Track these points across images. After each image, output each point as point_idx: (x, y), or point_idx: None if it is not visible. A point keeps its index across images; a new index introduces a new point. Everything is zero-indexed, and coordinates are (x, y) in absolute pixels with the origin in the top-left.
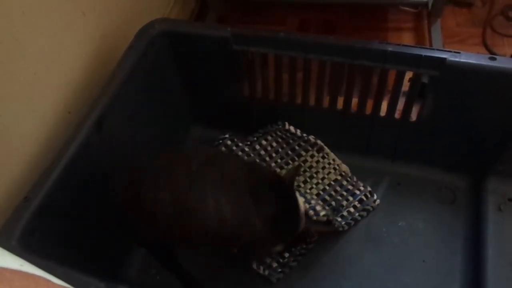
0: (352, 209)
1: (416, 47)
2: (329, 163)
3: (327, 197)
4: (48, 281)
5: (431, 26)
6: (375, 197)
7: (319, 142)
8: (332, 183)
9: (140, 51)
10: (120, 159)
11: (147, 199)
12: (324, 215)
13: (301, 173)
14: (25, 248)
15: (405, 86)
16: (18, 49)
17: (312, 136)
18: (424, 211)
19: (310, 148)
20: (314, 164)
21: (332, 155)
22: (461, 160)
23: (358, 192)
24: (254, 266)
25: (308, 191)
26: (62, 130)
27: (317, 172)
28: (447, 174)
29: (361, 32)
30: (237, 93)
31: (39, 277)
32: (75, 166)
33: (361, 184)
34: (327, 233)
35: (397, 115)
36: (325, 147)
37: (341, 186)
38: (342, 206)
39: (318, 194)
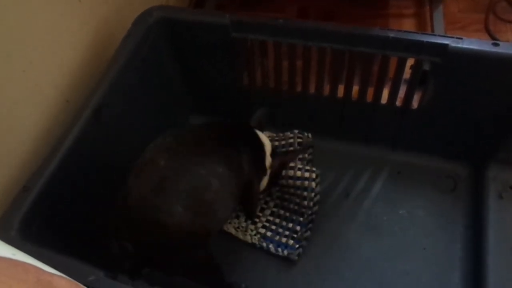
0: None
1: (418, 33)
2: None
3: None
4: (39, 269)
5: (433, 12)
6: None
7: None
8: None
9: (138, 39)
10: (118, 148)
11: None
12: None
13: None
14: (24, 238)
15: (406, 74)
16: (14, 38)
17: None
18: (424, 199)
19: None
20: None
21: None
22: (462, 148)
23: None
24: (273, 249)
25: None
26: (61, 119)
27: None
28: (448, 162)
29: (361, 19)
30: (236, 81)
31: (29, 265)
32: (74, 155)
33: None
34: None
35: (398, 102)
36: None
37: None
38: None
39: None
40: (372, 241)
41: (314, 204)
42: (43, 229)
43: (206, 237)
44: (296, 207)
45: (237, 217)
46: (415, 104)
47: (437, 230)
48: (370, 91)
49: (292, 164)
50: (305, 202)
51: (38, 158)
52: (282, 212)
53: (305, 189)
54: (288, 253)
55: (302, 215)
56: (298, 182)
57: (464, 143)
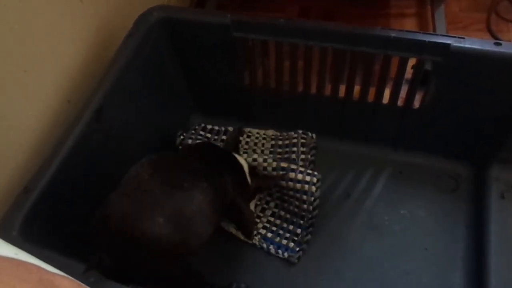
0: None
1: (420, 32)
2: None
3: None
4: (41, 268)
5: (435, 12)
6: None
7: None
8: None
9: (139, 39)
10: (119, 148)
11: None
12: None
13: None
14: (25, 238)
15: (408, 73)
16: (15, 38)
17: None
18: (426, 199)
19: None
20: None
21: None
22: (463, 148)
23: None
24: (273, 250)
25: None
26: (62, 119)
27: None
28: (450, 162)
29: (362, 19)
30: (237, 81)
31: (32, 265)
32: (75, 155)
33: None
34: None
35: (399, 102)
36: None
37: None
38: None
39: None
40: (373, 241)
41: (314, 209)
42: (44, 229)
43: (186, 253)
44: (296, 210)
45: None
46: (416, 104)
47: (438, 230)
48: (372, 91)
49: (293, 167)
50: (305, 206)
51: (39, 158)
52: (282, 213)
53: (305, 192)
54: (289, 256)
55: (302, 218)
56: (298, 185)
57: (465, 143)
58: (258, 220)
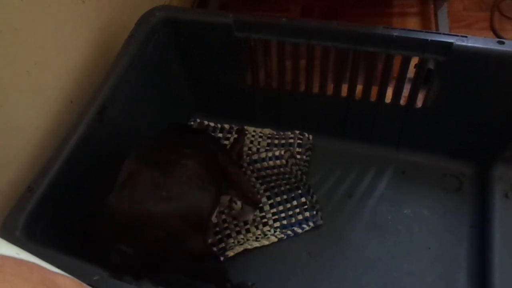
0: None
1: (422, 31)
2: None
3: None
4: (43, 268)
5: (437, 10)
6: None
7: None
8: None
9: (141, 39)
10: (122, 148)
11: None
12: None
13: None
14: (29, 238)
15: (411, 72)
16: (18, 39)
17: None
18: (429, 199)
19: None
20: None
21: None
22: (467, 147)
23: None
24: (299, 230)
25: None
26: (65, 119)
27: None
28: (453, 161)
29: (365, 18)
30: (240, 81)
31: (34, 264)
32: (78, 155)
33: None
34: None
35: (402, 101)
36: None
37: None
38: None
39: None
40: (376, 240)
41: (302, 174)
42: (47, 229)
43: (198, 224)
44: (288, 186)
45: (248, 231)
46: (419, 103)
47: (442, 229)
48: (374, 90)
49: (262, 155)
50: (293, 179)
51: (43, 158)
52: (279, 198)
53: (285, 165)
54: (314, 222)
55: (297, 188)
56: (278, 162)
57: (469, 142)
58: (265, 220)
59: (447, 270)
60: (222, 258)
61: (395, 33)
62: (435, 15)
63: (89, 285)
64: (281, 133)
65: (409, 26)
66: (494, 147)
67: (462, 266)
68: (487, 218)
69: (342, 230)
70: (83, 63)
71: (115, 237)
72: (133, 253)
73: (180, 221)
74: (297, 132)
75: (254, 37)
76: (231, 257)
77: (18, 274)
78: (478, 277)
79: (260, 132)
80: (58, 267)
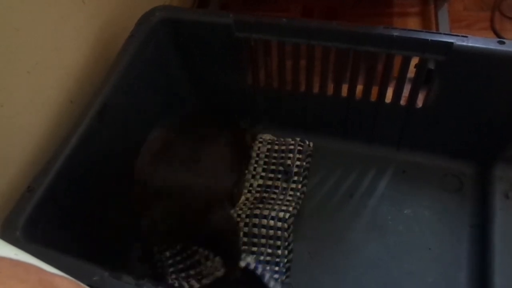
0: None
1: (423, 31)
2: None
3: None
4: (40, 269)
5: (438, 11)
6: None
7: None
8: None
9: (141, 39)
10: (123, 148)
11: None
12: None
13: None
14: (29, 238)
15: (411, 72)
16: (18, 39)
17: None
18: (429, 199)
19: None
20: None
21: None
22: (467, 147)
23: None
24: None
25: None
26: (65, 119)
27: None
28: (453, 161)
29: (365, 18)
30: (240, 81)
31: (31, 265)
32: (78, 155)
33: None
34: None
35: (402, 101)
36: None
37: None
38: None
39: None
40: (377, 241)
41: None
42: (48, 229)
43: (223, 200)
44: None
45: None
46: (419, 103)
47: (442, 229)
48: (375, 90)
49: (265, 212)
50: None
51: (43, 158)
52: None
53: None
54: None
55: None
56: (278, 224)
57: (469, 142)
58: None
59: (448, 270)
60: None
61: (396, 33)
62: (436, 15)
63: (89, 285)
64: (281, 139)
65: (410, 26)
66: (494, 147)
67: (462, 266)
68: (488, 218)
69: (342, 230)
70: (83, 63)
71: (144, 204)
72: (160, 220)
73: (210, 196)
74: (298, 139)
75: (254, 37)
76: None
77: (14, 275)
78: (479, 277)
79: (261, 138)
80: (58, 267)
